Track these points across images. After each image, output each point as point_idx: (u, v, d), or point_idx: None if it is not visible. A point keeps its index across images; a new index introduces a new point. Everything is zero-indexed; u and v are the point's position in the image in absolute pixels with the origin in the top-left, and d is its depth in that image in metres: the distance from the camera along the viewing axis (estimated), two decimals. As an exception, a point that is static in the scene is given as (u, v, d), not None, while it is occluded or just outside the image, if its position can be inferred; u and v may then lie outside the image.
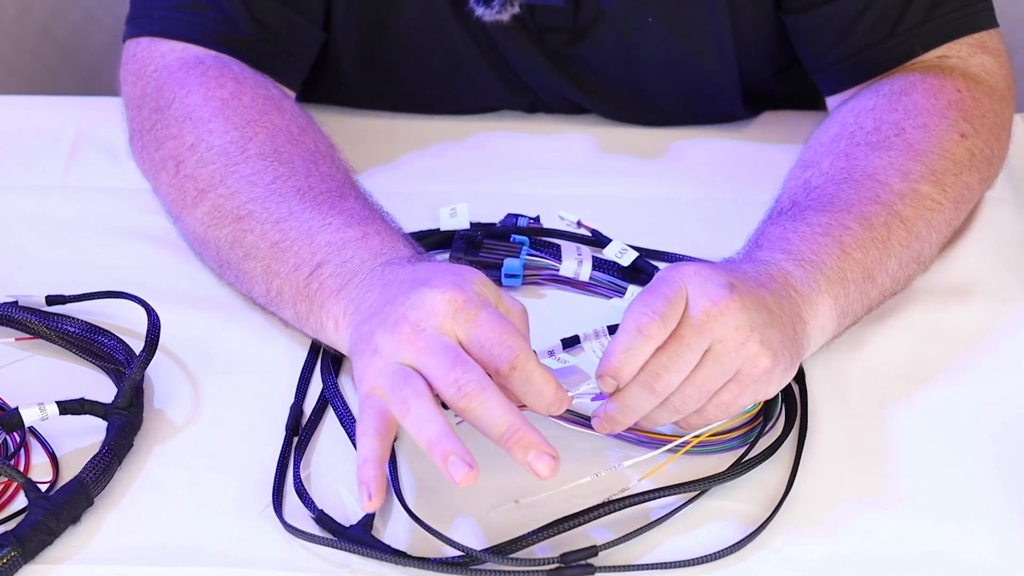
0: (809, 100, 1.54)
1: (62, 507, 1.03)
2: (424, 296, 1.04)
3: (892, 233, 1.18)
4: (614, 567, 1.02)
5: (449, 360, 1.01)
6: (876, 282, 1.17)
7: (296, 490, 1.07)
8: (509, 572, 1.01)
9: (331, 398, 1.14)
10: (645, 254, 1.26)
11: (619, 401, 1.05)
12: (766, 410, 1.12)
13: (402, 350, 1.03)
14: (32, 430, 1.10)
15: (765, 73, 1.45)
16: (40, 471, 1.08)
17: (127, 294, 1.16)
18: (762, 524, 1.05)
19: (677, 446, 1.08)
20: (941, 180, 1.22)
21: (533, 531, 1.02)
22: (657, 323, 1.02)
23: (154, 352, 1.12)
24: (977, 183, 1.27)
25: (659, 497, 1.05)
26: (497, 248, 1.26)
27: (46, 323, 1.17)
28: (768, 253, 1.14)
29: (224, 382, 1.16)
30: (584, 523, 1.03)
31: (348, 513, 1.06)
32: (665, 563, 1.02)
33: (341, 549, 1.02)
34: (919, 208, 1.20)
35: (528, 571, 1.01)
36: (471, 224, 1.27)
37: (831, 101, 1.37)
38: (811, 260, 1.13)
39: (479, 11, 1.36)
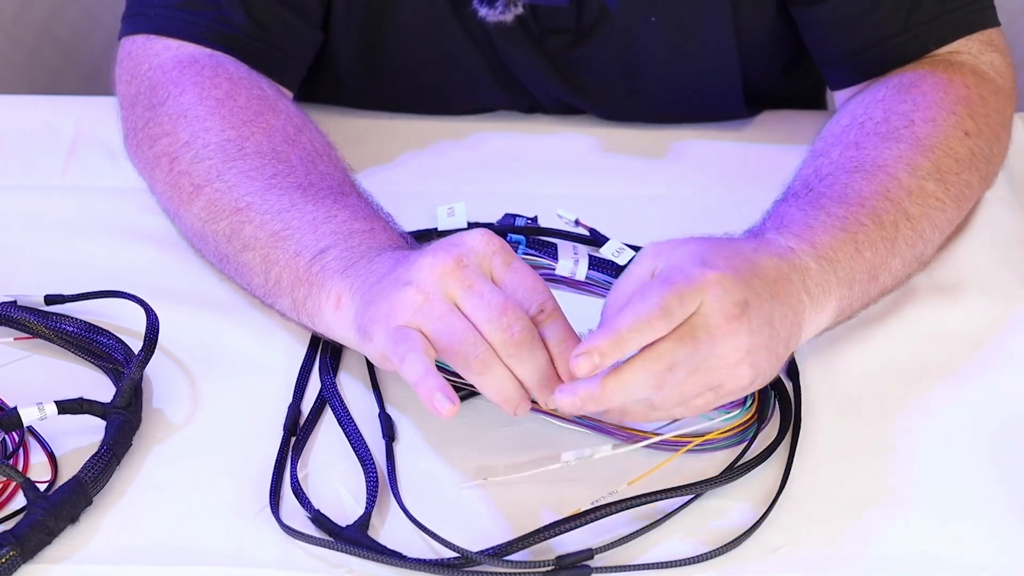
0: (811, 99, 1.54)
1: (61, 507, 1.03)
2: (463, 237, 1.05)
3: (899, 232, 1.18)
4: (610, 568, 1.02)
5: (499, 303, 1.02)
6: (879, 281, 1.17)
7: (293, 490, 1.07)
8: (504, 574, 1.01)
9: (329, 398, 1.14)
10: (642, 253, 1.26)
11: (617, 379, 1.00)
12: (760, 409, 1.12)
13: (447, 283, 1.03)
14: (31, 430, 1.10)
15: (767, 71, 1.45)
16: (39, 471, 1.08)
17: (126, 294, 1.16)
18: (756, 523, 1.05)
19: (663, 442, 1.08)
20: (945, 178, 1.22)
21: (528, 533, 1.02)
22: (664, 322, 1.00)
23: (152, 352, 1.12)
24: (976, 182, 1.27)
25: (653, 501, 1.05)
26: (492, 248, 1.25)
27: (45, 323, 1.17)
28: (795, 242, 1.12)
29: (223, 382, 1.16)
30: (579, 526, 1.03)
31: (346, 513, 1.06)
32: (661, 563, 1.02)
33: (337, 550, 1.02)
34: (925, 207, 1.20)
35: (523, 573, 1.01)
36: (468, 224, 1.27)
37: (839, 96, 1.37)
38: (829, 257, 1.12)
39: (482, 12, 1.35)
